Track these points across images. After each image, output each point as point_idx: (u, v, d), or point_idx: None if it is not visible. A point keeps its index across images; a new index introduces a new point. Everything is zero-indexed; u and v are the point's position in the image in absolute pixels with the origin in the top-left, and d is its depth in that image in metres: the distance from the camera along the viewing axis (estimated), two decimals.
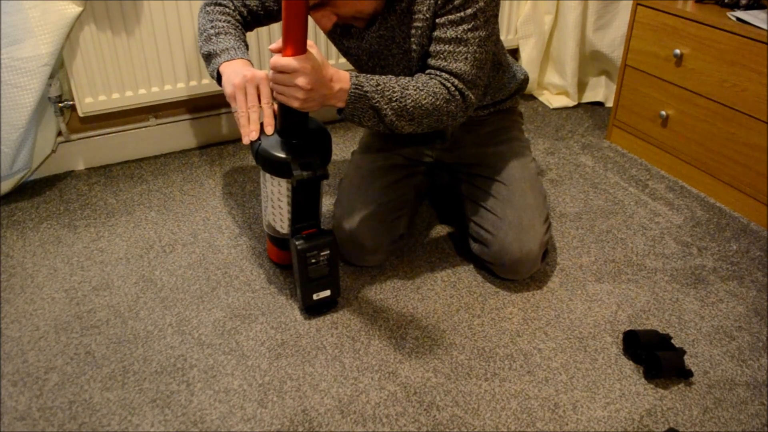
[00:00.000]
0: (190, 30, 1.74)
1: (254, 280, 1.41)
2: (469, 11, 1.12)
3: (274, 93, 1.10)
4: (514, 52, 2.29)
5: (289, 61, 1.03)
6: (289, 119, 1.16)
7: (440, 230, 1.59)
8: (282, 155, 1.17)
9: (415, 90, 1.14)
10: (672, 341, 1.25)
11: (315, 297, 1.26)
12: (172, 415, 1.09)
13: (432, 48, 1.18)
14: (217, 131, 1.99)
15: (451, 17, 1.14)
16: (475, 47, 1.15)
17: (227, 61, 1.20)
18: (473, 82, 1.18)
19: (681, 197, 1.75)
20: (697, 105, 1.73)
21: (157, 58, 1.74)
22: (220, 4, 1.30)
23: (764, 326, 1.31)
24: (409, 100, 1.13)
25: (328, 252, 1.22)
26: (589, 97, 2.32)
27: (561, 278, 1.43)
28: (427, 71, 1.19)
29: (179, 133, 1.94)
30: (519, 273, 1.36)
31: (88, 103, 1.71)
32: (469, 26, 1.14)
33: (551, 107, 2.27)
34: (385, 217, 1.38)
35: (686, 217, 1.66)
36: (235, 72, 1.15)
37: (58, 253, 1.49)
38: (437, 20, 1.16)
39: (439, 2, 1.14)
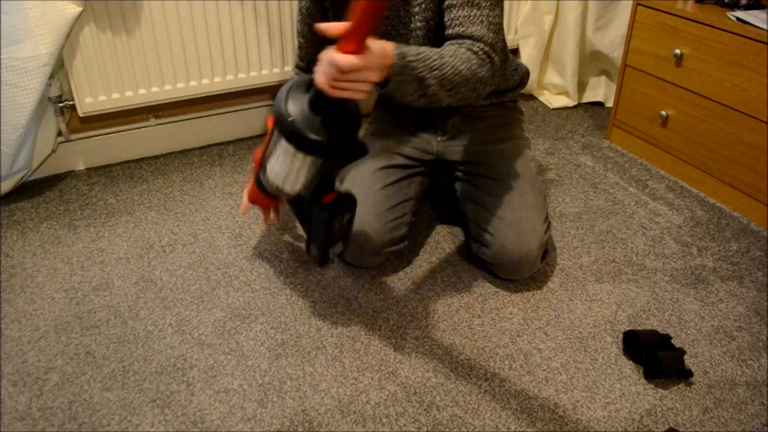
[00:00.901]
0: (190, 30, 1.75)
1: (254, 280, 1.40)
2: None
3: (333, 90, 1.01)
4: (514, 52, 2.29)
5: (356, 61, 0.97)
6: (330, 100, 1.07)
7: (440, 230, 1.59)
8: (318, 138, 1.09)
9: (450, 57, 1.12)
10: (672, 341, 1.25)
11: (330, 255, 1.24)
12: (172, 415, 1.09)
13: (446, 18, 1.18)
14: (217, 131, 1.99)
15: None
16: (487, 11, 1.16)
17: None
18: (494, 46, 1.17)
19: (681, 197, 1.75)
20: (697, 105, 1.73)
21: (157, 58, 1.74)
22: (297, 64, 1.49)
23: (764, 326, 1.30)
24: (448, 68, 1.11)
25: (350, 215, 1.21)
26: (589, 97, 2.32)
27: (561, 278, 1.43)
28: (449, 42, 1.18)
29: (179, 133, 1.94)
30: (519, 273, 1.36)
31: (88, 103, 1.71)
32: None
33: (551, 107, 2.27)
34: (387, 219, 1.37)
35: (686, 217, 1.66)
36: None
37: (58, 253, 1.49)
38: None
39: None
